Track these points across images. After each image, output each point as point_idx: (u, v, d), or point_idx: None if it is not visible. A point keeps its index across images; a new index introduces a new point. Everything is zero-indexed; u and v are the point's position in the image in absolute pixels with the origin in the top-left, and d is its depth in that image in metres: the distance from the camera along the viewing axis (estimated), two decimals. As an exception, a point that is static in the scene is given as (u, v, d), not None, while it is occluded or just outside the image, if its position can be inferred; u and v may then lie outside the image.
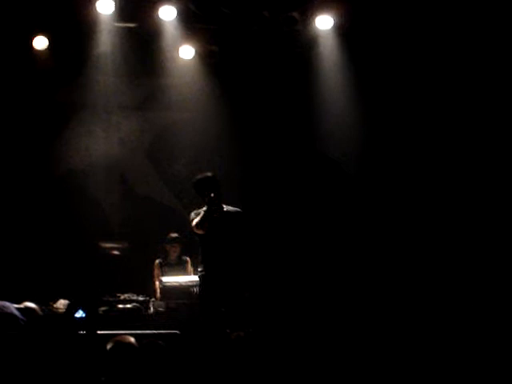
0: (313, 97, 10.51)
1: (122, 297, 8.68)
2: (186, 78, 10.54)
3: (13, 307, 4.41)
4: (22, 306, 5.28)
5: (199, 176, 7.73)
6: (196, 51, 10.29)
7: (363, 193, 10.48)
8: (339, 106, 10.41)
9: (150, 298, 8.85)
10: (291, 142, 10.89)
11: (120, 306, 8.46)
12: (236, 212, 7.74)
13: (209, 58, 10.43)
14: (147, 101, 11.06)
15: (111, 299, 8.63)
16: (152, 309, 8.57)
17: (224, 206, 7.63)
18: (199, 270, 7.75)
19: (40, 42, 9.78)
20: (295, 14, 9.73)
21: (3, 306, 4.25)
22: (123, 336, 5.34)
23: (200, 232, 7.55)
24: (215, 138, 10.82)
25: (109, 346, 5.10)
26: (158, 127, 11.28)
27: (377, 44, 9.97)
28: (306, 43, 10.22)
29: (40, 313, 5.57)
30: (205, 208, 7.50)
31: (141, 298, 8.66)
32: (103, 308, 8.31)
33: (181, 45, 10.16)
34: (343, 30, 9.93)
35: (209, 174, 7.70)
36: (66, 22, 9.54)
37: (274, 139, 10.94)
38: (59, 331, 5.66)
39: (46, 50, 9.83)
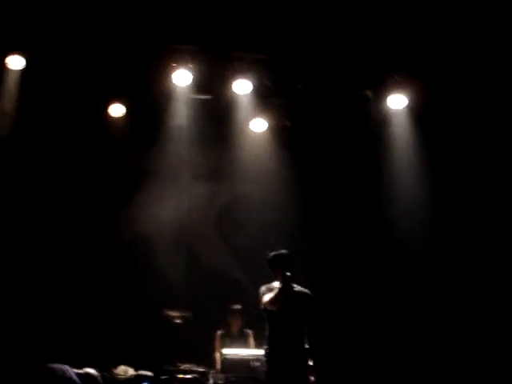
0: (383, 174, 10.47)
1: (183, 367, 8.66)
2: (257, 150, 10.62)
3: (73, 372, 4.40)
4: (82, 371, 5.29)
5: (275, 252, 7.62)
6: (269, 125, 10.41)
7: (431, 271, 10.36)
8: (409, 183, 10.33)
9: (210, 369, 8.80)
10: (360, 220, 10.85)
11: (180, 375, 8.43)
12: (306, 293, 7.64)
13: (281, 132, 10.52)
14: (218, 171, 11.16)
15: (172, 368, 8.62)
16: (211, 381, 8.52)
17: (295, 285, 7.53)
18: (265, 347, 7.60)
19: (116, 110, 10.04)
20: (368, 93, 9.78)
21: (63, 371, 4.24)
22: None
23: (273, 308, 7.41)
24: (283, 211, 10.79)
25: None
26: (227, 197, 11.37)
27: (450, 123, 9.94)
28: (378, 121, 10.23)
29: (100, 380, 5.57)
30: (278, 284, 7.40)
31: (201, 369, 8.63)
32: (163, 377, 8.31)
33: (254, 118, 10.30)
34: (416, 109, 9.91)
35: (284, 251, 7.60)
36: (143, 92, 9.78)
37: (343, 217, 10.91)
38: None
39: (121, 117, 10.08)
